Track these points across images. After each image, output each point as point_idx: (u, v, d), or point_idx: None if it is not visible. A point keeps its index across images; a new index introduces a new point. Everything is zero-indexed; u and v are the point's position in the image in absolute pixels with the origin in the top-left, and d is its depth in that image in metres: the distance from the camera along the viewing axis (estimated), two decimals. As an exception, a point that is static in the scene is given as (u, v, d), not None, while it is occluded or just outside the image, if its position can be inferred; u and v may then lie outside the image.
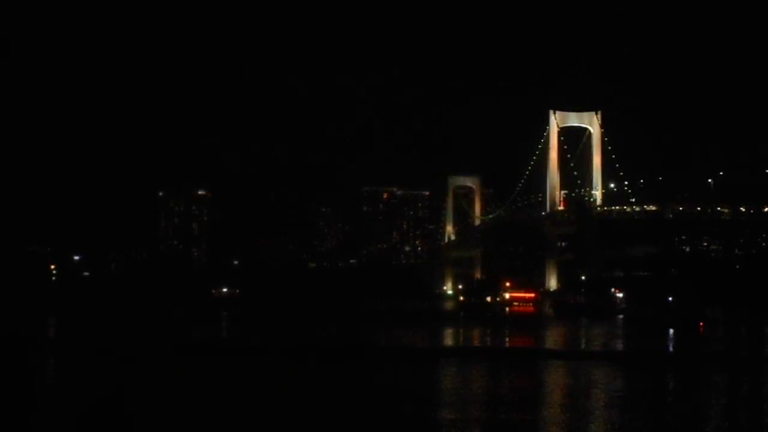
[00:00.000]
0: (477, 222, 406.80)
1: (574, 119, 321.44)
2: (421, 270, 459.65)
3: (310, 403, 71.70)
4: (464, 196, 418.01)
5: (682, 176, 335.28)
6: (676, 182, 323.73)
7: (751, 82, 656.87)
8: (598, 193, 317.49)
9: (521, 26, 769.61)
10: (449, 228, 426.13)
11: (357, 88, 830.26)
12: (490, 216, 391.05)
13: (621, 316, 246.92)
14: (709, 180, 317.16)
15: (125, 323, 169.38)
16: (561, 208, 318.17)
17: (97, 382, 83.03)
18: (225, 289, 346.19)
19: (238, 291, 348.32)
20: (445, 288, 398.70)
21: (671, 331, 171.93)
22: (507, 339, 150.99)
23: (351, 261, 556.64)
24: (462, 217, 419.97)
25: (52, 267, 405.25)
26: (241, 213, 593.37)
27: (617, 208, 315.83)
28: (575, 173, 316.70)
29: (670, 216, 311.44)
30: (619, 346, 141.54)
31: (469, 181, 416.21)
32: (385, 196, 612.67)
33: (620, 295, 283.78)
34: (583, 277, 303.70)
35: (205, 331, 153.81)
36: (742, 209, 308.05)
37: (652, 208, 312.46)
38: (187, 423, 62.23)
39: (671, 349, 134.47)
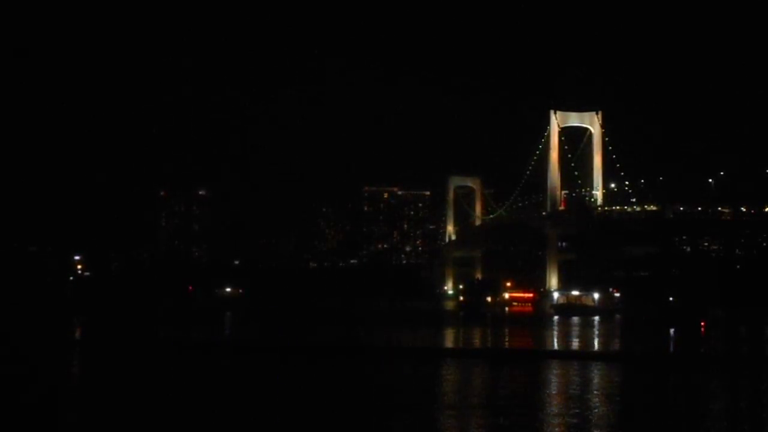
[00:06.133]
0: (478, 222, 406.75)
1: (574, 119, 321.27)
2: (421, 270, 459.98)
3: (307, 403, 71.89)
4: (465, 196, 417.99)
5: (683, 176, 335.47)
6: (677, 182, 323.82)
7: (751, 82, 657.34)
8: (598, 193, 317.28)
9: (522, 26, 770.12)
10: (450, 228, 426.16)
11: (358, 88, 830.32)
12: (491, 216, 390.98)
13: (618, 316, 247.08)
14: (710, 180, 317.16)
15: (135, 323, 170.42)
16: (562, 208, 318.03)
17: (108, 382, 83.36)
18: (228, 289, 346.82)
19: (240, 291, 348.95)
20: (446, 288, 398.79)
21: (672, 330, 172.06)
22: (506, 339, 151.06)
23: (352, 261, 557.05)
24: (463, 217, 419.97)
25: (79, 267, 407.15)
26: (242, 213, 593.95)
27: (618, 208, 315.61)
28: (576, 173, 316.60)
29: (671, 216, 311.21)
30: (619, 346, 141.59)
31: (470, 181, 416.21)
32: (385, 196, 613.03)
33: (617, 294, 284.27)
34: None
35: (209, 331, 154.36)
36: (743, 209, 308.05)
37: (653, 208, 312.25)
38: (186, 422, 62.47)
39: (672, 349, 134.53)
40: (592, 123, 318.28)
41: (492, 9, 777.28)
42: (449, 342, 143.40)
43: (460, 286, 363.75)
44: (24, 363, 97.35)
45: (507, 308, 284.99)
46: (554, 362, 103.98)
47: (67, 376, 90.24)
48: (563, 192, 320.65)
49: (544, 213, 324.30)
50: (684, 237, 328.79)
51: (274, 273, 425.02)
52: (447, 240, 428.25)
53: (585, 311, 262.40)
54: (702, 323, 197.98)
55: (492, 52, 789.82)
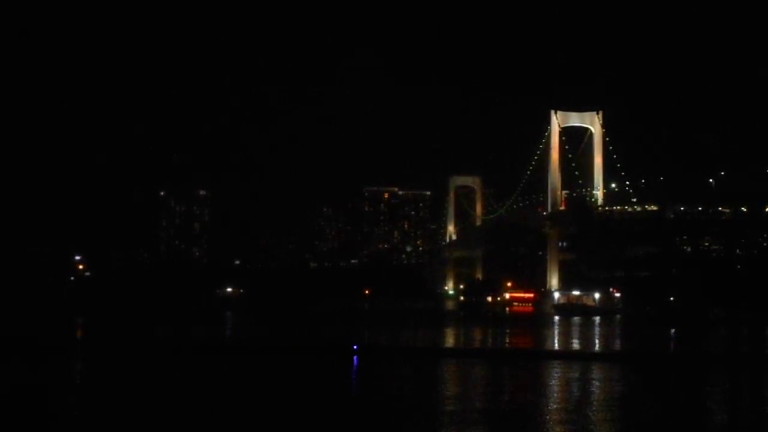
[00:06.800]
0: (478, 222, 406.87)
1: (575, 119, 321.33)
2: (422, 270, 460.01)
3: (307, 403, 71.94)
4: (465, 196, 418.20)
5: (683, 176, 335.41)
6: (677, 182, 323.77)
7: (751, 82, 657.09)
8: (599, 193, 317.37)
9: (522, 26, 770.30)
10: (450, 228, 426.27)
11: (358, 88, 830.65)
12: (492, 216, 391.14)
13: (619, 316, 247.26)
14: (710, 180, 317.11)
15: (140, 323, 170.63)
16: (562, 208, 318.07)
17: (112, 383, 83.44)
18: (229, 289, 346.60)
19: (241, 291, 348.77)
20: (446, 288, 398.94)
21: (672, 330, 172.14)
22: (507, 339, 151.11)
23: (352, 261, 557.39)
24: (463, 217, 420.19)
25: (81, 267, 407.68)
26: (242, 213, 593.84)
27: (618, 207, 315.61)
28: (576, 173, 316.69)
29: (671, 216, 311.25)
30: (620, 346, 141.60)
31: (471, 181, 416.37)
32: (386, 196, 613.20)
33: (618, 294, 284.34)
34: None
35: (211, 331, 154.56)
36: (743, 209, 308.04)
37: (654, 207, 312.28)
38: (186, 422, 62.54)
39: (672, 349, 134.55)
40: (592, 123, 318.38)
41: (492, 9, 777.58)
42: (449, 342, 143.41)
43: (461, 286, 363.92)
44: (24, 364, 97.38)
45: (507, 308, 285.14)
46: (555, 362, 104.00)
47: (69, 377, 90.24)
48: (564, 192, 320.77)
49: (544, 213, 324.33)
50: (684, 237, 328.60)
51: (275, 273, 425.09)
52: (447, 240, 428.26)
53: (585, 311, 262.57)
54: (702, 324, 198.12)
55: (492, 52, 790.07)
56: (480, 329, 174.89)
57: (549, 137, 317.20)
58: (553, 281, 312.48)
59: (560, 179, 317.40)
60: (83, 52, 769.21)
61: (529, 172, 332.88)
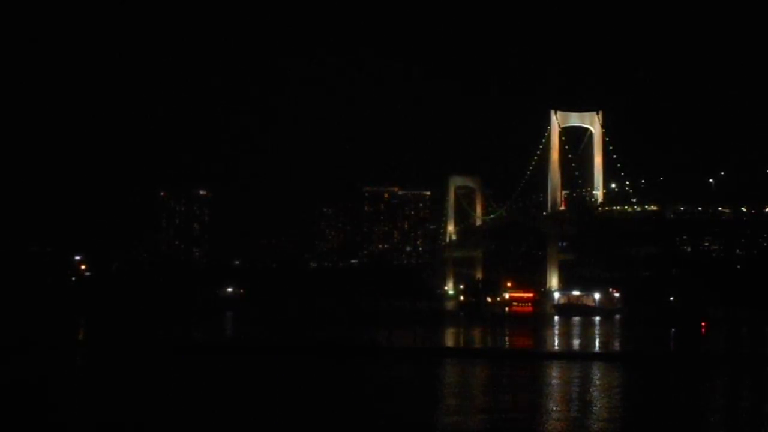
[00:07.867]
0: (478, 222, 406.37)
1: (575, 119, 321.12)
2: (422, 270, 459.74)
3: (307, 403, 71.95)
4: (465, 196, 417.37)
5: (683, 176, 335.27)
6: (677, 182, 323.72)
7: (751, 82, 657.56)
8: (599, 193, 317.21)
9: (522, 26, 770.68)
10: (450, 228, 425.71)
11: (358, 88, 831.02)
12: (491, 216, 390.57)
13: (618, 316, 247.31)
14: (710, 180, 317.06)
15: (140, 324, 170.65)
16: (562, 208, 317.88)
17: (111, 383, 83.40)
18: (229, 289, 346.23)
19: (242, 291, 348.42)
20: (446, 288, 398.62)
21: (673, 330, 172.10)
22: (507, 339, 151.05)
23: (352, 261, 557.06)
24: (463, 217, 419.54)
25: (81, 267, 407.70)
26: (242, 213, 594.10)
27: (618, 208, 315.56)
28: (576, 173, 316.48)
29: (671, 216, 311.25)
30: (620, 346, 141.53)
31: (470, 181, 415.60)
32: (386, 196, 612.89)
33: (618, 294, 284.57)
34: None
35: (212, 331, 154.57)
36: (743, 209, 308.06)
37: (654, 208, 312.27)
38: (186, 422, 62.53)
39: (672, 348, 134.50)
40: (592, 123, 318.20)
41: (492, 9, 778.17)
42: (449, 342, 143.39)
43: (461, 286, 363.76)
44: (24, 364, 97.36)
45: (507, 308, 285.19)
46: (555, 362, 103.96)
47: (68, 377, 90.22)
48: (564, 192, 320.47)
49: (544, 213, 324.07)
50: (684, 237, 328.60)
51: (275, 273, 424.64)
52: (447, 240, 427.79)
53: (586, 311, 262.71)
54: (702, 323, 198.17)
55: (493, 52, 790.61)
56: (479, 329, 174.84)
57: (549, 137, 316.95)
58: (553, 281, 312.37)
59: (560, 179, 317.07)
60: (84, 52, 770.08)
61: (529, 172, 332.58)
